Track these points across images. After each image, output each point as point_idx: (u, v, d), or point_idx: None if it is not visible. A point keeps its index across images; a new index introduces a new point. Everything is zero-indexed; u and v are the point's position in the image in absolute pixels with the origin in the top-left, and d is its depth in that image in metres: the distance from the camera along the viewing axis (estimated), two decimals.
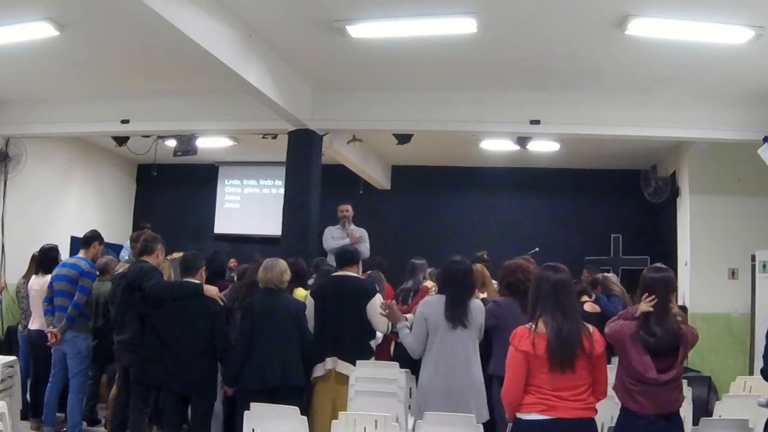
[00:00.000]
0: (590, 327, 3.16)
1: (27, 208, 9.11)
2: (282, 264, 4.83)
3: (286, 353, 4.58)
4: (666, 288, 3.28)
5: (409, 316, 4.83)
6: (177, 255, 6.42)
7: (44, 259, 6.28)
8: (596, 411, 3.13)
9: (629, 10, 5.20)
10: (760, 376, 3.45)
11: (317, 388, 4.75)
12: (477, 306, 4.24)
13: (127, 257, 7.58)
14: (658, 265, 3.43)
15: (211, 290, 4.87)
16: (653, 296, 3.25)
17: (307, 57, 6.69)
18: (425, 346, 4.17)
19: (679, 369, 3.16)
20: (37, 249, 6.51)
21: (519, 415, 3.11)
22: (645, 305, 3.24)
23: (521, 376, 3.07)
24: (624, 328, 3.23)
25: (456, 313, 4.11)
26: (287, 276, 4.82)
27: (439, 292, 4.40)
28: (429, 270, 6.41)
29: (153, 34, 5.39)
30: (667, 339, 3.12)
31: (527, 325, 3.15)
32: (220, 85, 6.66)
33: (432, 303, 4.28)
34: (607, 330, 3.27)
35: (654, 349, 3.12)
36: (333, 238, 7.64)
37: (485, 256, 6.83)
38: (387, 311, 4.56)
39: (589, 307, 6.00)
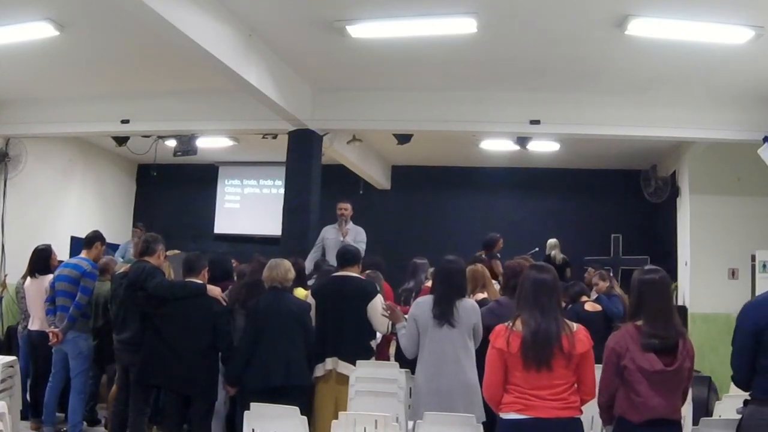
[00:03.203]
0: (574, 326, 3.13)
1: (27, 208, 9.11)
2: (286, 263, 4.85)
3: (290, 353, 4.58)
4: (668, 288, 3.26)
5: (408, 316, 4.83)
6: (171, 252, 6.42)
7: (38, 261, 6.26)
8: (580, 411, 3.11)
9: (629, 10, 5.20)
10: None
11: (318, 389, 4.74)
12: (468, 306, 4.22)
13: (121, 259, 7.59)
14: (651, 266, 3.40)
15: (214, 290, 4.87)
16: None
17: (307, 57, 6.69)
18: (418, 346, 4.18)
19: (681, 361, 3.11)
20: None
21: (501, 414, 3.12)
22: None
23: (497, 373, 3.10)
24: (625, 332, 3.19)
25: (442, 312, 4.11)
26: (291, 275, 4.83)
27: (431, 290, 4.41)
28: (431, 270, 6.40)
29: (153, 34, 5.39)
30: (672, 338, 3.09)
31: (506, 323, 3.16)
32: (220, 85, 6.66)
33: (422, 303, 4.29)
34: (609, 342, 3.22)
35: (659, 349, 3.08)
36: (326, 238, 7.58)
37: (483, 256, 6.83)
38: (389, 312, 4.58)
39: (590, 306, 6.00)
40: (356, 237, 7.48)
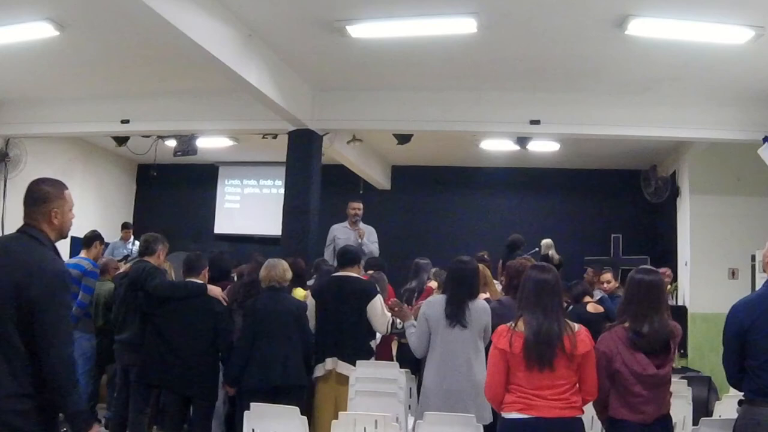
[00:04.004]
0: (575, 326, 3.14)
1: None
2: (284, 263, 4.88)
3: (287, 353, 4.59)
4: (656, 289, 3.28)
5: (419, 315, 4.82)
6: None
7: None
8: (582, 411, 3.12)
9: (629, 10, 5.20)
10: None
11: (318, 389, 4.75)
12: (481, 307, 4.21)
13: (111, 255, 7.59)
14: (646, 267, 3.44)
15: (214, 290, 4.87)
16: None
17: (307, 57, 6.69)
18: (428, 346, 4.17)
19: (671, 365, 3.16)
20: None
21: (502, 414, 3.14)
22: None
23: (499, 373, 3.12)
24: (614, 334, 3.22)
25: (454, 312, 4.11)
26: (289, 275, 4.85)
27: (443, 290, 4.40)
28: (433, 270, 6.40)
29: (153, 34, 5.39)
30: (657, 337, 3.12)
31: (508, 324, 3.18)
32: (220, 85, 6.66)
33: (434, 302, 4.29)
34: (598, 345, 3.24)
35: (645, 348, 3.12)
36: (338, 237, 7.58)
37: (485, 256, 6.83)
38: (396, 309, 4.60)
39: (592, 307, 6.00)
40: (370, 237, 7.50)
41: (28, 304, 2.44)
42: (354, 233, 7.40)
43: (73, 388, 2.50)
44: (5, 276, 2.47)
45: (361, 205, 7.65)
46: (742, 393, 3.23)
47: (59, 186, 2.70)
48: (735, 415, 3.48)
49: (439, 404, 3.93)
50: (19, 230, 2.65)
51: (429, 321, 4.17)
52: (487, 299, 4.80)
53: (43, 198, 2.64)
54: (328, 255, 7.31)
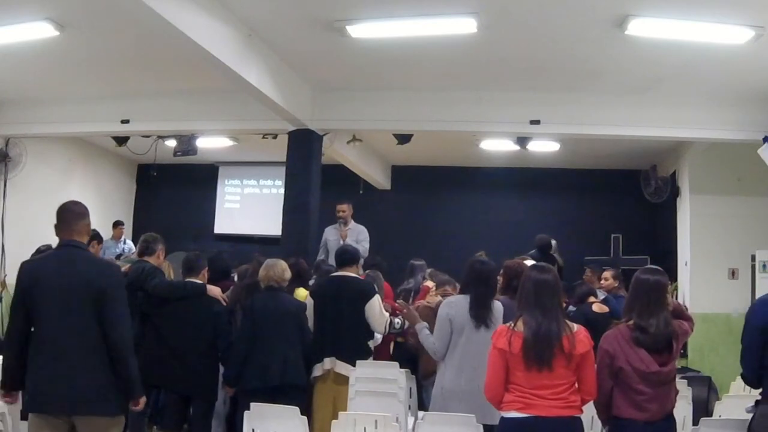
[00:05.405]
0: (574, 326, 3.16)
1: (27, 208, 9.10)
2: (282, 263, 4.88)
3: (286, 352, 4.60)
4: (659, 289, 3.29)
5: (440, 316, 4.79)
6: None
7: None
8: (581, 410, 3.14)
9: (629, 10, 5.20)
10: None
11: (317, 388, 4.76)
12: (498, 307, 4.20)
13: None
14: (651, 267, 3.47)
15: (214, 290, 4.87)
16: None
17: (307, 57, 6.69)
18: (449, 348, 4.14)
19: (674, 363, 3.19)
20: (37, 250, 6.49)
21: (501, 413, 3.16)
22: None
23: (499, 373, 3.13)
24: (617, 332, 3.24)
25: (480, 313, 4.07)
26: (288, 274, 4.85)
27: (462, 291, 4.37)
28: (428, 270, 6.41)
29: (153, 34, 5.39)
30: (661, 335, 3.14)
31: (508, 324, 3.20)
32: (220, 85, 6.65)
33: (456, 303, 4.22)
34: (602, 343, 3.26)
35: (649, 345, 3.13)
36: (328, 239, 7.60)
37: (484, 256, 6.81)
38: (405, 311, 4.60)
39: (597, 307, 6.01)
40: (358, 237, 7.49)
41: (98, 294, 3.18)
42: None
43: (132, 357, 3.30)
44: (75, 276, 3.21)
45: (345, 206, 7.65)
46: (759, 392, 3.21)
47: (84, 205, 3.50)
48: (735, 416, 3.49)
49: (459, 405, 3.90)
50: (63, 245, 3.35)
51: (453, 322, 4.10)
52: None
53: (83, 213, 3.45)
54: (321, 256, 7.32)
